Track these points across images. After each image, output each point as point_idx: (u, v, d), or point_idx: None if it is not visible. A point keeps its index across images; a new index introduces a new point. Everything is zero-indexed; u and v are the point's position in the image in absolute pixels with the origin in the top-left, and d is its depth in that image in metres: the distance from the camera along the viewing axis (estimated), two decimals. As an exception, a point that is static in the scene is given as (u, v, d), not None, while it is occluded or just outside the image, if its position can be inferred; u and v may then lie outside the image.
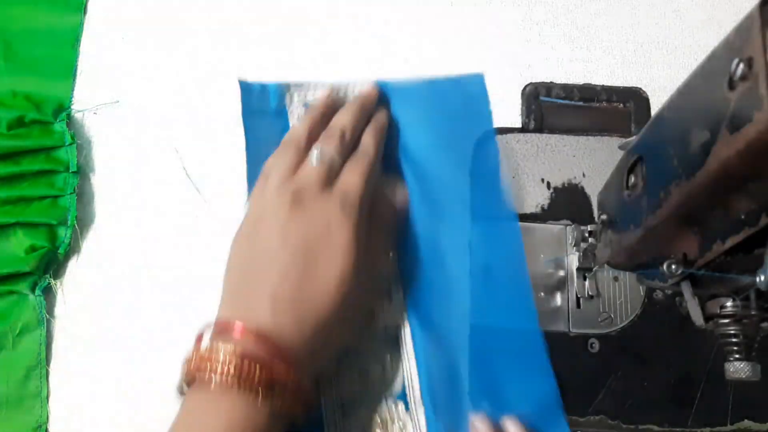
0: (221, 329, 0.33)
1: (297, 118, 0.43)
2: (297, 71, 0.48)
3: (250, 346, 0.31)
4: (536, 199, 0.44)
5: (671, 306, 0.41)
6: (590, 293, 0.41)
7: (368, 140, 0.40)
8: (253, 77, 0.47)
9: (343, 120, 0.40)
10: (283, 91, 0.44)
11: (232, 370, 0.30)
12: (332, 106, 0.41)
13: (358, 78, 0.43)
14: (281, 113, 0.43)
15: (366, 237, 0.37)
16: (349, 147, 0.39)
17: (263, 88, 0.44)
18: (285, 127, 0.43)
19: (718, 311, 0.31)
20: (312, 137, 0.39)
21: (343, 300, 0.34)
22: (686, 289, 0.32)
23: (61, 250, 0.43)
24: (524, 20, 0.49)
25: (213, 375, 0.31)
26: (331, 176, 0.37)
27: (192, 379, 0.32)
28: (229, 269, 0.36)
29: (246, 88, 0.43)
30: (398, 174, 0.42)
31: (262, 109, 0.43)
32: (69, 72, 0.48)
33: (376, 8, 0.49)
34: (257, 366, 0.30)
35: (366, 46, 0.48)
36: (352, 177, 0.38)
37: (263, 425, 0.31)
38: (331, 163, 0.37)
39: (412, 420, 0.38)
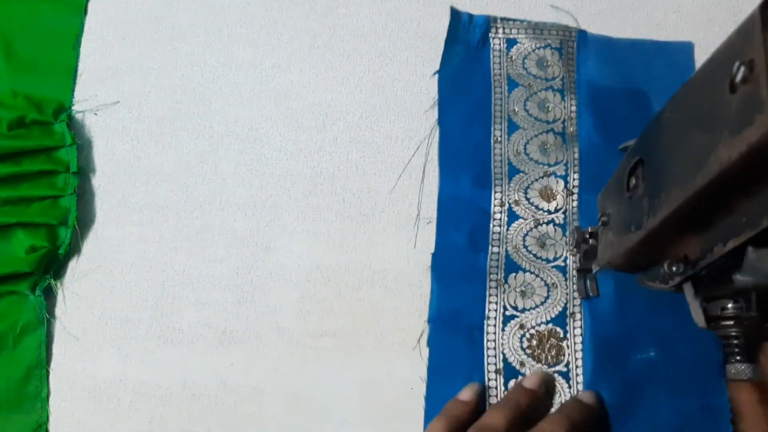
0: None
1: (499, 51, 0.46)
2: (297, 72, 0.48)
3: None
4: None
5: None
6: (590, 294, 0.41)
7: None
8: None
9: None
10: (489, 23, 0.46)
11: None
12: (534, 397, 0.37)
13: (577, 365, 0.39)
14: (485, 45, 0.46)
15: None
16: None
17: (470, 18, 0.46)
18: (485, 60, 0.46)
19: (719, 313, 0.31)
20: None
21: None
22: (688, 290, 0.32)
23: (61, 251, 0.43)
24: (525, 21, 0.49)
25: None
26: None
27: None
28: None
29: (455, 16, 0.46)
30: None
31: (466, 38, 0.45)
32: (69, 72, 0.48)
33: None
34: None
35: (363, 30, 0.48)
36: None
37: None
38: None
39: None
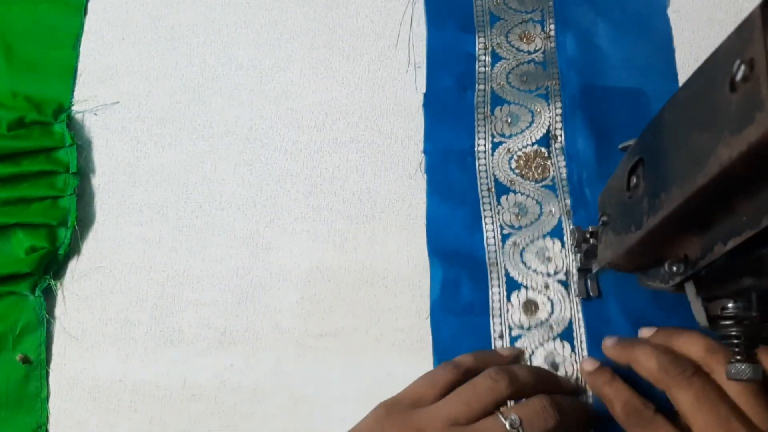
0: None
1: None
2: (297, 72, 0.48)
3: None
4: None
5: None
6: (591, 294, 0.41)
7: None
8: (252, 78, 0.47)
9: (558, 399, 0.35)
10: None
11: None
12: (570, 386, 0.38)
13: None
14: None
15: None
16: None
17: None
18: None
19: (720, 313, 0.31)
20: (527, 391, 0.36)
21: None
22: (689, 289, 0.32)
23: (61, 251, 0.43)
24: (525, 20, 0.49)
25: None
26: None
27: None
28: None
29: None
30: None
31: None
32: (69, 72, 0.48)
33: None
34: None
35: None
36: None
37: None
38: None
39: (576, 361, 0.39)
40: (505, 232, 0.42)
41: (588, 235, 0.39)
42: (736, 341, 0.31)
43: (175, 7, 0.50)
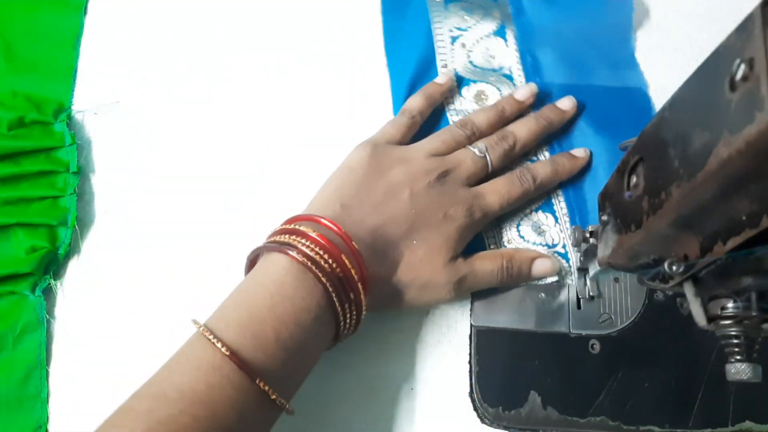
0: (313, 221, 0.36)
1: None
2: (297, 73, 0.48)
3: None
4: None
5: (672, 307, 0.41)
6: (591, 294, 0.41)
7: (542, 173, 0.42)
8: (255, 78, 0.47)
9: (523, 133, 0.42)
10: None
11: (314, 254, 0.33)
12: (520, 107, 0.44)
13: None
14: None
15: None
16: (513, 158, 0.43)
17: None
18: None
19: (719, 312, 0.31)
20: (487, 130, 0.43)
21: (413, 282, 0.38)
22: (688, 289, 0.32)
23: (61, 251, 0.43)
24: (525, 20, 0.49)
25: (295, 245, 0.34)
26: (481, 176, 0.41)
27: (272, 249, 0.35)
28: (345, 180, 0.39)
29: None
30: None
31: None
32: (69, 72, 0.48)
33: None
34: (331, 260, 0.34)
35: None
36: (494, 198, 0.40)
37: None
38: (488, 165, 0.41)
39: (561, 231, 0.43)
40: (453, 34, 0.48)
41: (588, 235, 0.39)
42: (736, 341, 0.31)
43: (176, 7, 0.50)
